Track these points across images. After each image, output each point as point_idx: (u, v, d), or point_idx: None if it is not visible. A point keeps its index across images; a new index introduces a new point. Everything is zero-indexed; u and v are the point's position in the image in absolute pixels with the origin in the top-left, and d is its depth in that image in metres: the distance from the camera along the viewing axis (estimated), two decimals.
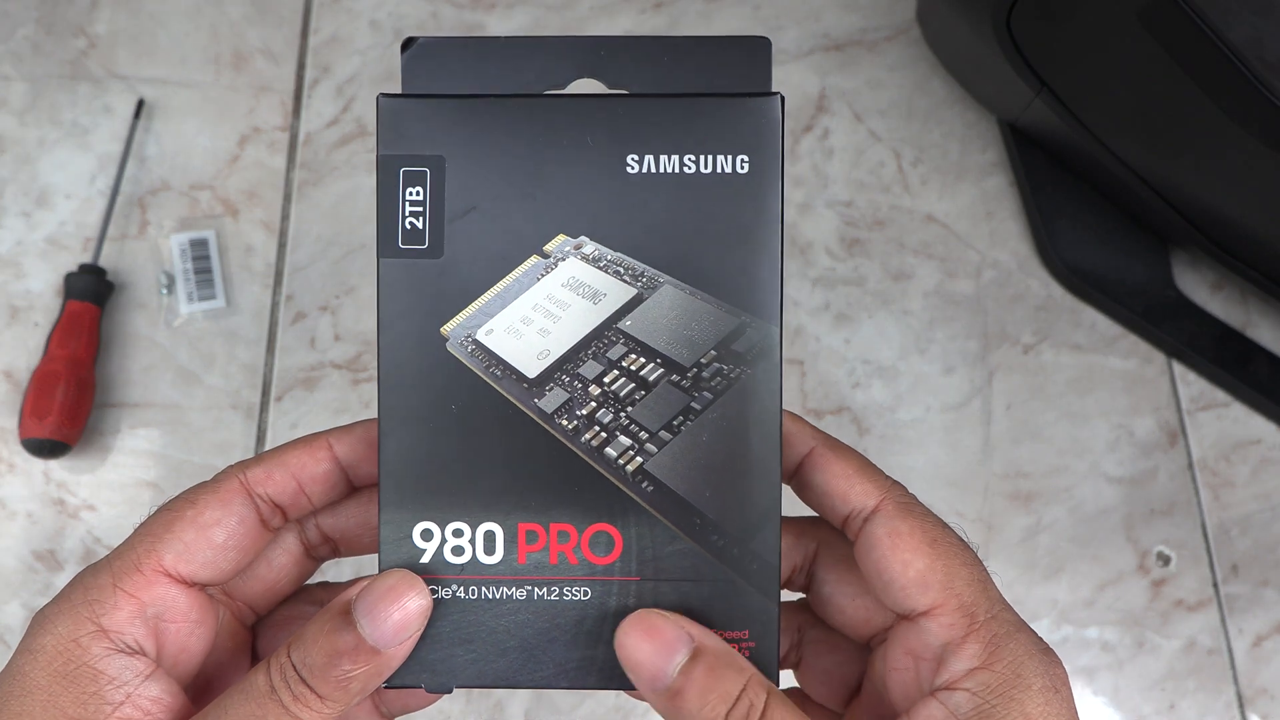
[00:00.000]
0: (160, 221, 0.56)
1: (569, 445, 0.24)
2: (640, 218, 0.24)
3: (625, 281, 0.24)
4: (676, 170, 0.24)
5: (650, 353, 0.24)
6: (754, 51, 0.24)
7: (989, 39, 0.51)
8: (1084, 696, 0.51)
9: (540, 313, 0.24)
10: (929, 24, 0.59)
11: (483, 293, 0.24)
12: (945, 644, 0.23)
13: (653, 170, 0.24)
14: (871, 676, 0.26)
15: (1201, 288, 0.59)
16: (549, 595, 0.24)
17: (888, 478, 0.25)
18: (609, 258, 0.24)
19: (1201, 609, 0.53)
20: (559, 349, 0.24)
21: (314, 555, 0.27)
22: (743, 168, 0.24)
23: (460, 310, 0.24)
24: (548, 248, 0.24)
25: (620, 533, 0.24)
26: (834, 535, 0.27)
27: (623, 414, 0.24)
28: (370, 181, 0.58)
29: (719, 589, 0.24)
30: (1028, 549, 0.53)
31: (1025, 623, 0.24)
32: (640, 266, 0.24)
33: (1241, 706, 0.51)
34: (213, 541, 0.24)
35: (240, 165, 0.58)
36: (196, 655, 0.25)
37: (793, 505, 0.26)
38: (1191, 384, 0.57)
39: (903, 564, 0.24)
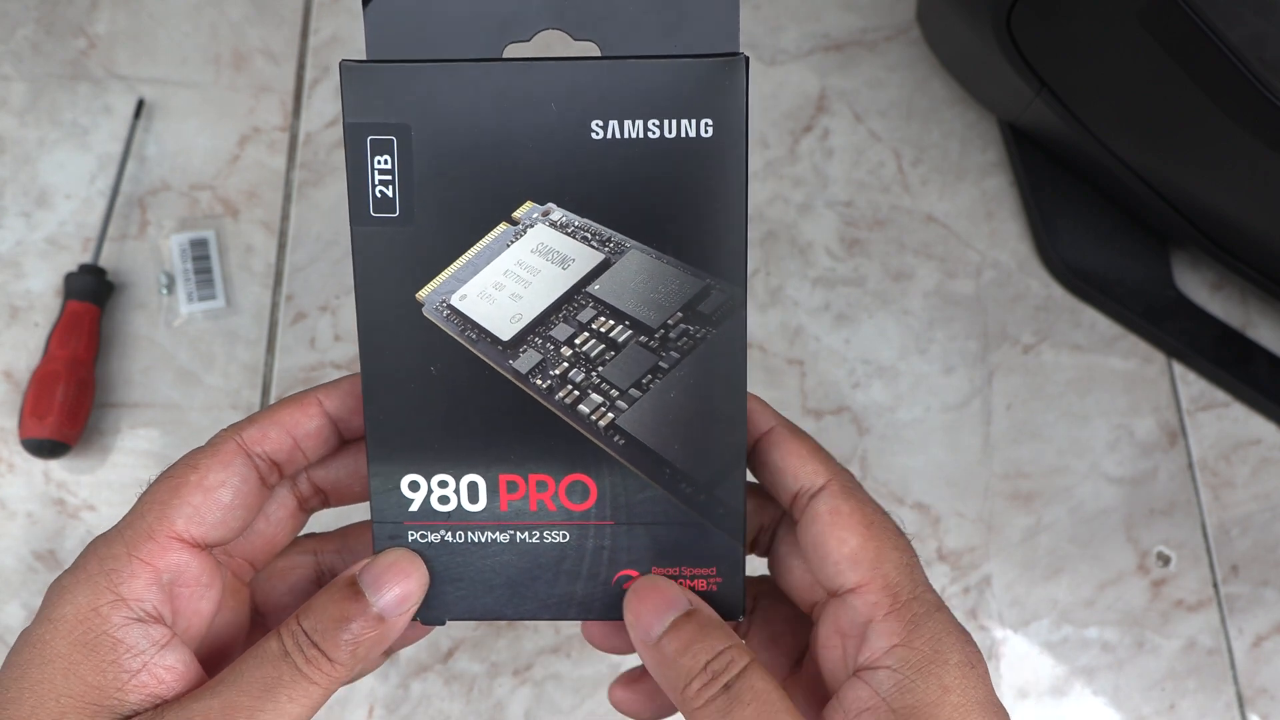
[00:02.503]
0: (160, 221, 0.56)
1: (544, 403, 0.25)
2: (606, 183, 0.24)
3: (593, 247, 0.24)
4: (641, 135, 0.24)
5: (619, 315, 0.25)
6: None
7: (989, 39, 0.51)
8: (1084, 696, 0.51)
9: (511, 278, 0.25)
10: (929, 24, 0.59)
11: (454, 259, 0.24)
12: (868, 621, 0.24)
13: (617, 136, 0.24)
14: (810, 652, 0.27)
15: (1201, 288, 0.59)
16: (530, 538, 0.26)
17: (838, 463, 0.27)
18: (576, 224, 0.24)
19: (1201, 609, 0.53)
20: (531, 313, 0.25)
21: (306, 508, 0.29)
22: (706, 131, 0.24)
23: (434, 276, 0.25)
24: (516, 214, 0.24)
25: (595, 481, 0.25)
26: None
27: (594, 373, 0.25)
28: None
29: (688, 531, 0.25)
30: (1028, 549, 0.53)
31: (944, 604, 0.25)
32: (607, 232, 0.24)
33: (1241, 706, 0.51)
34: (220, 503, 0.25)
35: (240, 165, 0.58)
36: (206, 617, 0.25)
37: None
38: (1191, 384, 0.57)
39: (838, 540, 0.25)
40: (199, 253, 0.55)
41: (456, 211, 0.24)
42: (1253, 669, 0.52)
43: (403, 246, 0.24)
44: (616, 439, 0.25)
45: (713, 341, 0.25)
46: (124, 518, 0.25)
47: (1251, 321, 0.58)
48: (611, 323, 0.25)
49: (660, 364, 0.25)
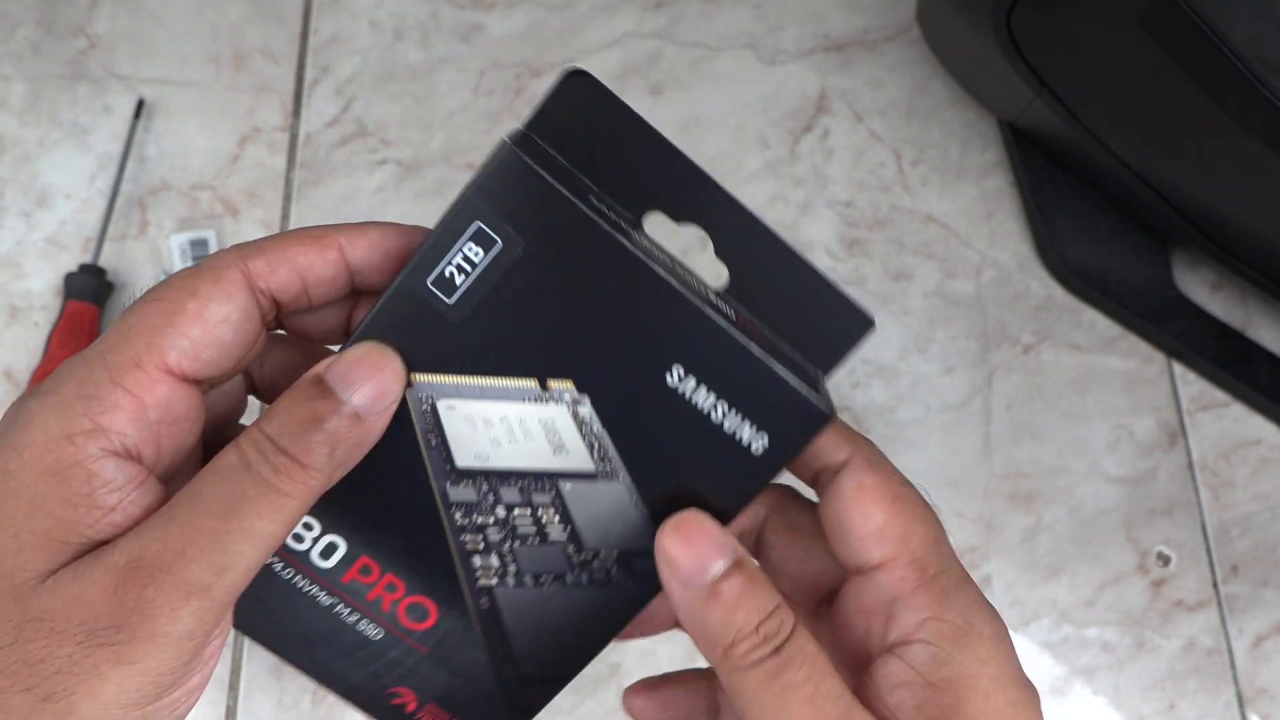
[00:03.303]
0: (160, 221, 0.56)
1: (448, 533, 0.24)
2: (646, 423, 0.23)
3: (592, 457, 0.24)
4: (705, 409, 0.23)
5: (567, 518, 0.24)
6: (854, 324, 0.24)
7: (989, 39, 0.51)
8: (1084, 696, 0.51)
9: (504, 427, 0.24)
10: (929, 24, 0.59)
11: (471, 374, 0.23)
12: (896, 597, 0.24)
13: (686, 394, 0.23)
14: (828, 640, 0.27)
15: (1201, 288, 0.59)
16: (347, 616, 0.25)
17: (859, 434, 0.25)
18: (595, 430, 0.24)
19: (1201, 609, 0.53)
20: (497, 463, 0.24)
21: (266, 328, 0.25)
22: (757, 449, 0.23)
23: (441, 372, 0.23)
24: (551, 383, 0.23)
25: (438, 615, 0.25)
26: (783, 500, 0.28)
27: (508, 543, 0.25)
28: (369, 182, 0.58)
29: (482, 703, 0.26)
30: (1028, 549, 0.53)
31: (970, 577, 0.24)
32: (614, 454, 0.24)
33: (1241, 706, 0.51)
34: (221, 340, 0.22)
35: (240, 165, 0.58)
36: (186, 455, 0.23)
37: None
38: (1191, 384, 0.57)
39: (864, 516, 0.24)
40: (199, 253, 0.55)
41: (504, 340, 0.23)
42: (1253, 669, 0.52)
43: (433, 328, 0.23)
44: (483, 601, 0.25)
45: (621, 591, 0.25)
46: (106, 338, 0.21)
47: (1251, 321, 0.58)
48: (557, 519, 0.24)
49: (567, 576, 0.25)
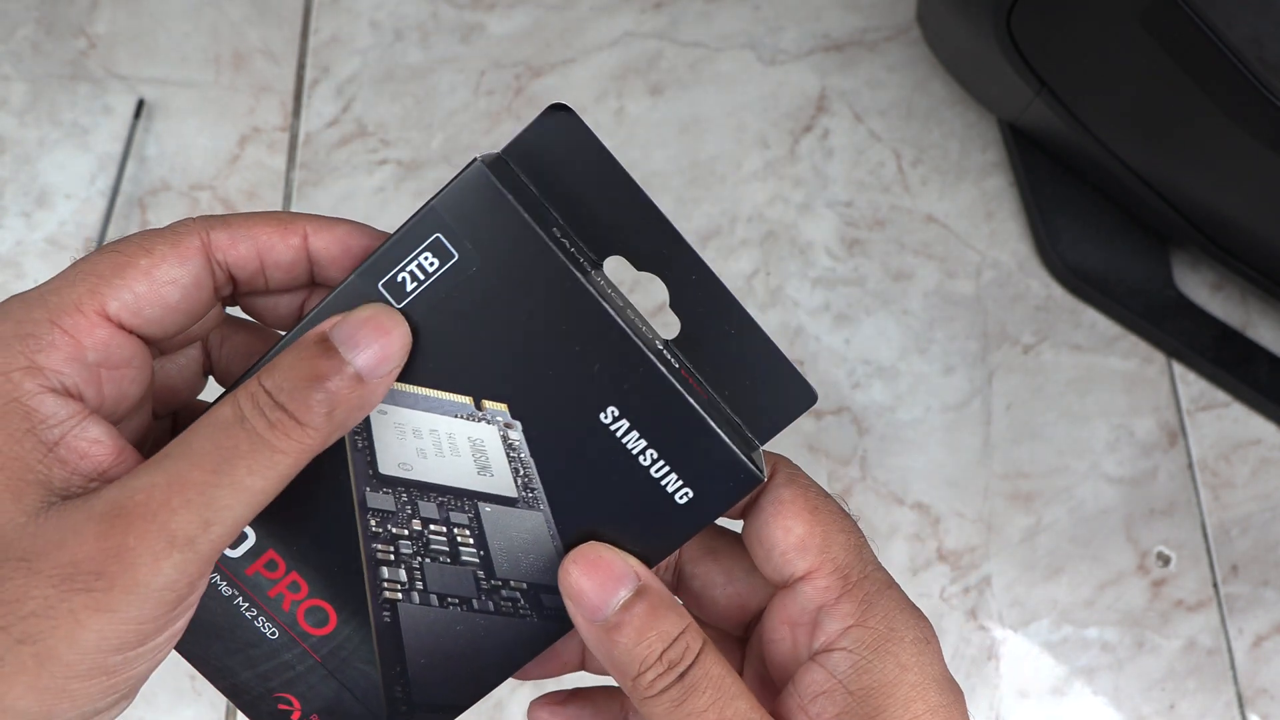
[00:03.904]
0: (160, 221, 0.57)
1: (360, 537, 0.24)
2: (575, 459, 0.23)
3: (516, 484, 0.24)
4: (635, 453, 0.23)
5: (482, 542, 0.24)
6: (797, 397, 0.24)
7: (989, 39, 0.51)
8: (1084, 696, 0.51)
9: (432, 440, 0.24)
10: (929, 24, 0.59)
11: (408, 383, 0.23)
12: (820, 606, 0.24)
13: (618, 435, 0.23)
14: (748, 666, 0.27)
15: (1201, 288, 0.59)
16: (245, 610, 0.25)
17: (774, 454, 0.26)
18: (522, 457, 0.24)
19: (1201, 609, 0.53)
20: (420, 475, 0.24)
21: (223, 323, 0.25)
22: (682, 499, 0.24)
23: None
24: (487, 403, 0.23)
25: (337, 623, 0.25)
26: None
27: (419, 559, 0.24)
28: (369, 182, 0.58)
29: None
30: (1028, 549, 0.53)
31: (894, 581, 0.25)
32: (538, 484, 0.24)
33: (1241, 706, 0.51)
34: (165, 300, 0.22)
35: (240, 165, 0.58)
36: (132, 402, 0.22)
37: None
38: (1191, 384, 0.57)
39: (784, 530, 0.24)
40: None
41: (446, 353, 0.23)
42: (1253, 669, 0.52)
43: None
44: (385, 614, 0.25)
45: (526, 625, 0.25)
46: (51, 281, 0.21)
47: (1251, 321, 0.58)
48: (471, 542, 0.24)
49: (474, 601, 0.24)
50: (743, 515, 0.26)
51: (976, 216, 0.60)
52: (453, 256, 0.22)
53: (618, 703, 0.28)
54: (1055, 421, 0.56)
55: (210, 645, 0.25)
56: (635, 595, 0.23)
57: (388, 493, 0.24)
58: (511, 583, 0.24)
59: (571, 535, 0.24)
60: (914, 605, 0.24)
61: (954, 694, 0.23)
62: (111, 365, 0.21)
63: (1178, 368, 0.57)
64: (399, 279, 0.23)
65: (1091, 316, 0.58)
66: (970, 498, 0.54)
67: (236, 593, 0.25)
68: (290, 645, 0.25)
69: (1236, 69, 0.41)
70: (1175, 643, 0.52)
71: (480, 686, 0.25)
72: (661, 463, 0.23)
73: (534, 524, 0.24)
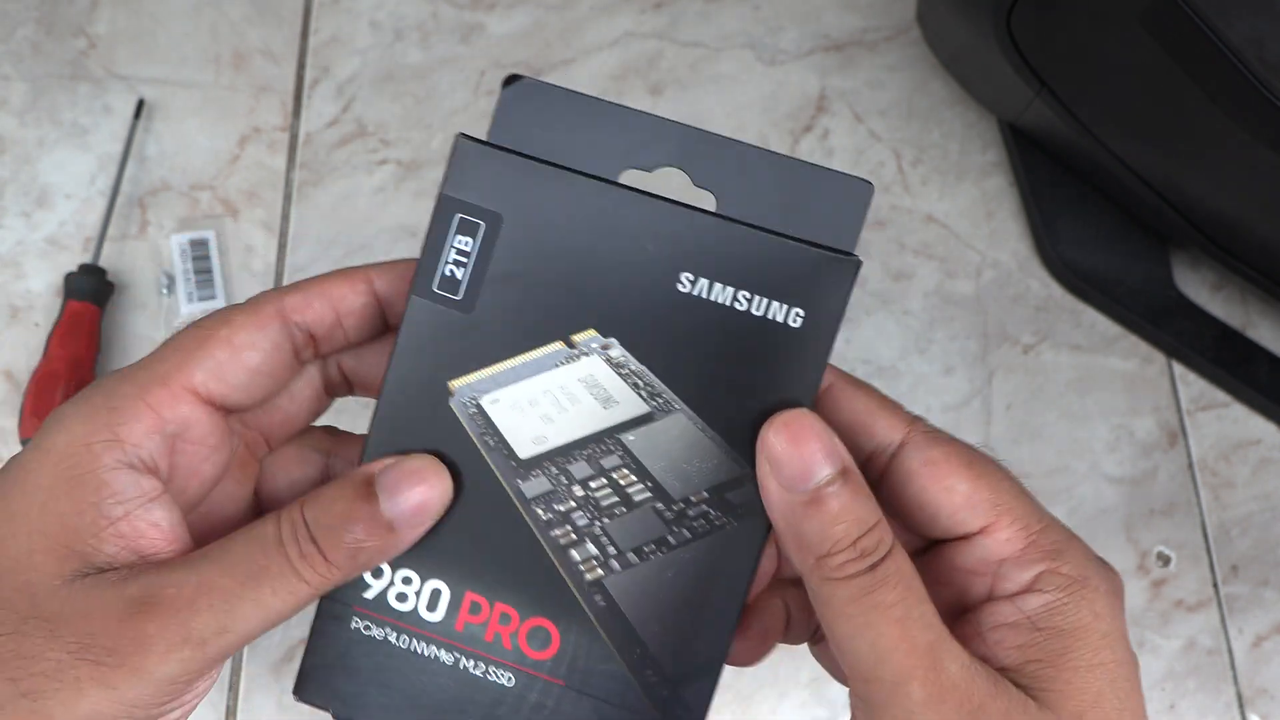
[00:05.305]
0: (160, 221, 0.57)
1: (537, 534, 0.23)
2: (676, 338, 0.23)
3: (641, 396, 0.23)
4: (728, 303, 0.23)
5: (644, 473, 0.23)
6: (854, 194, 0.23)
7: (989, 39, 0.51)
8: None
9: (549, 399, 0.23)
10: (929, 24, 0.59)
11: (500, 361, 0.23)
12: (1004, 559, 0.23)
13: (703, 296, 0.23)
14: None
15: (1201, 288, 0.59)
16: (474, 669, 0.24)
17: (909, 412, 0.25)
18: (632, 368, 0.23)
19: (1201, 609, 0.53)
20: (556, 439, 0.24)
21: (332, 392, 0.26)
22: (795, 321, 0.23)
23: (473, 371, 0.23)
24: (576, 337, 0.23)
25: (560, 634, 0.24)
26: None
27: (598, 523, 0.23)
28: (369, 182, 0.58)
29: None
30: None
31: (1076, 534, 0.24)
32: (661, 386, 0.23)
33: (1241, 707, 0.51)
34: (246, 364, 0.23)
35: (240, 165, 0.58)
36: (206, 482, 0.24)
37: None
38: (1191, 384, 0.57)
39: (946, 490, 0.23)
40: (199, 253, 0.56)
41: (518, 315, 0.23)
42: (1253, 669, 0.52)
43: (453, 331, 0.23)
44: (597, 598, 0.23)
45: (730, 534, 0.23)
46: (142, 359, 0.23)
47: (1251, 321, 0.58)
48: (634, 479, 0.23)
49: (668, 538, 0.23)
50: (880, 477, 0.24)
51: (976, 216, 0.60)
52: (479, 225, 0.23)
53: (779, 599, 0.27)
54: (1055, 421, 0.56)
55: None
56: (839, 474, 0.22)
57: (538, 474, 0.24)
58: (692, 498, 0.23)
59: (718, 418, 0.23)
60: (1102, 558, 0.24)
61: (1134, 657, 0.23)
62: (189, 440, 0.23)
63: (1178, 368, 0.57)
64: (447, 273, 0.23)
65: (1091, 316, 0.58)
66: None
67: (458, 655, 0.24)
68: (530, 683, 0.24)
69: (1236, 69, 0.41)
70: (1175, 643, 0.52)
71: (724, 628, 0.23)
72: (757, 298, 0.23)
73: (680, 427, 0.23)
